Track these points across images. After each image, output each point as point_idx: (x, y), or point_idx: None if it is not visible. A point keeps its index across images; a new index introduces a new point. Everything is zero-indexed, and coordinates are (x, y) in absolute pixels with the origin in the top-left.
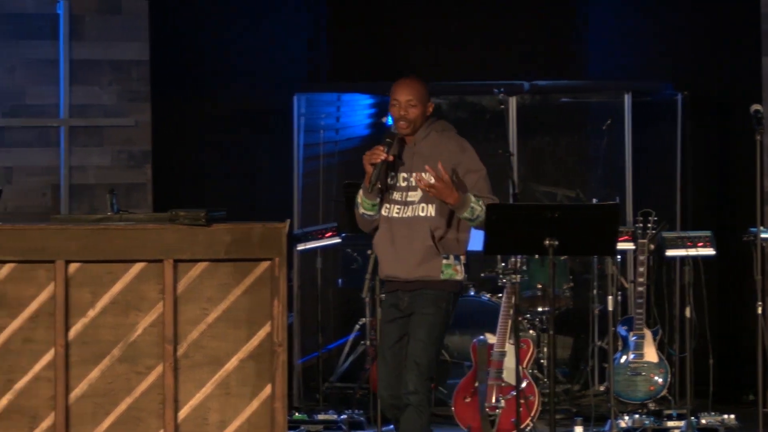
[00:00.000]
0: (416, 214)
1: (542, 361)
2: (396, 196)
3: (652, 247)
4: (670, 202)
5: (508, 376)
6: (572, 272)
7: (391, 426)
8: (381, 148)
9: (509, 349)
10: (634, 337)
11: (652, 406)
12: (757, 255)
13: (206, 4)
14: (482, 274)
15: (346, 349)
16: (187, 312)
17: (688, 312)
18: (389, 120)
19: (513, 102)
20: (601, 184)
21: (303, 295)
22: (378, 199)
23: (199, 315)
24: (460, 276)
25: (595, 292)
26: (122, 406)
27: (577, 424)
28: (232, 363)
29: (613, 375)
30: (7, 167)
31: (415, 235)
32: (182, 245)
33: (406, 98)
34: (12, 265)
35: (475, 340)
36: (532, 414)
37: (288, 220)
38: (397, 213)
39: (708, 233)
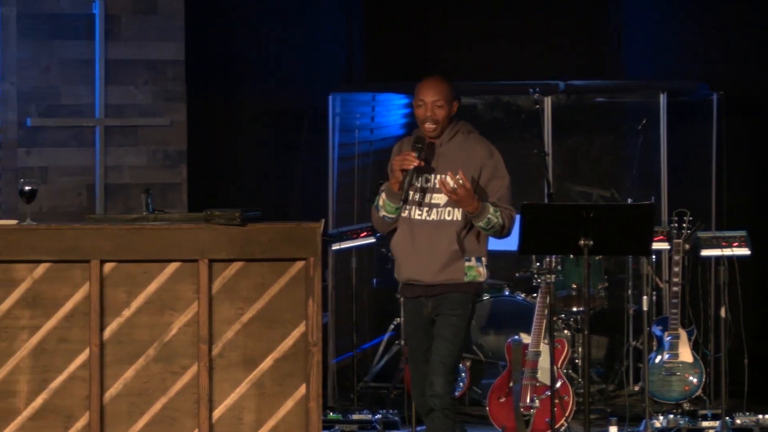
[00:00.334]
0: (442, 217)
1: (577, 361)
2: (417, 197)
3: (687, 247)
4: (705, 202)
5: (543, 376)
6: (607, 272)
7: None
8: (413, 154)
9: (544, 349)
10: (668, 337)
11: (686, 406)
12: None
13: (241, 4)
14: (517, 274)
15: (381, 348)
16: (222, 312)
17: (723, 312)
18: None
19: (548, 102)
20: (636, 184)
21: (338, 295)
22: (401, 203)
23: (233, 315)
24: (482, 277)
25: (630, 292)
26: (157, 406)
27: (611, 424)
28: (267, 363)
29: (647, 375)
30: (43, 167)
31: (440, 239)
32: (217, 245)
33: (432, 99)
34: (47, 264)
35: (509, 340)
36: (566, 414)
37: (323, 220)
38: (419, 215)
39: (743, 233)
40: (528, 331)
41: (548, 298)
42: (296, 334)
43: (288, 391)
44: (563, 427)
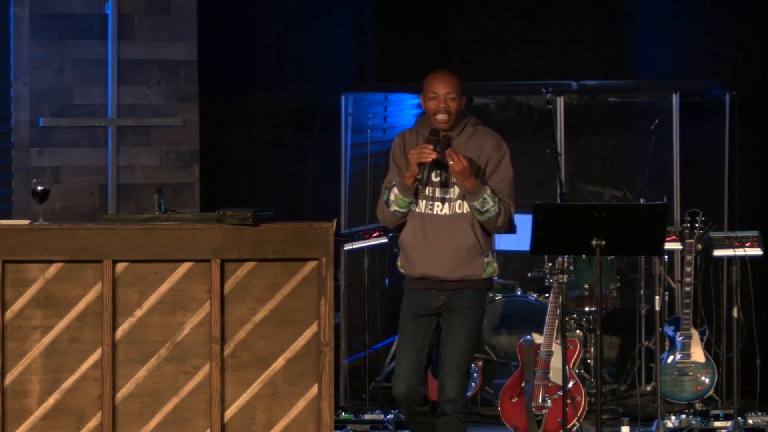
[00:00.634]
0: (455, 211)
1: (589, 361)
2: (428, 191)
3: (699, 247)
4: (717, 202)
5: (555, 376)
6: (619, 272)
7: None
8: (430, 147)
9: (556, 349)
10: (681, 337)
11: (698, 406)
12: None
13: (254, 4)
14: (529, 274)
15: (393, 349)
16: (234, 312)
17: (735, 312)
18: None
19: (561, 102)
20: (648, 184)
21: (350, 295)
22: (413, 197)
23: (246, 315)
24: (497, 272)
25: (642, 292)
26: (169, 406)
27: (623, 424)
28: (279, 363)
29: (659, 375)
30: (55, 167)
31: (455, 233)
32: (229, 245)
33: (445, 91)
34: (59, 264)
35: (522, 340)
36: (578, 414)
37: (335, 220)
38: (430, 209)
39: (756, 233)
40: (540, 331)
41: (560, 298)
42: (308, 334)
43: (300, 391)
44: (575, 427)
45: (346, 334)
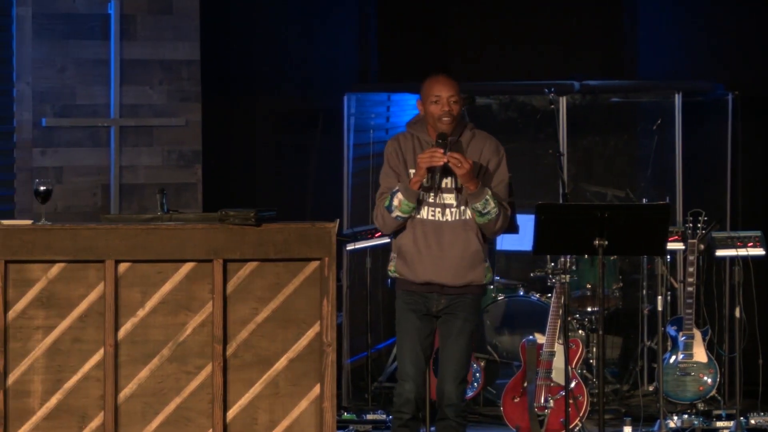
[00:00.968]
0: (458, 217)
1: (591, 361)
2: (429, 197)
3: (702, 247)
4: (720, 202)
5: (557, 376)
6: (622, 272)
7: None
8: (440, 150)
9: (558, 349)
10: (683, 338)
11: (701, 406)
12: None
13: (257, 4)
14: (532, 274)
15: (395, 349)
16: (237, 312)
17: (737, 312)
18: None
19: (563, 102)
20: (650, 184)
21: (352, 295)
22: (416, 202)
23: (248, 315)
24: (492, 277)
25: (644, 292)
26: (171, 406)
27: (626, 424)
28: (281, 363)
29: (662, 375)
30: (57, 167)
31: (459, 240)
32: (232, 245)
33: (448, 94)
34: (62, 264)
35: (524, 340)
36: (581, 414)
37: (337, 220)
38: (432, 215)
39: (758, 233)
40: (542, 331)
41: (563, 298)
42: (311, 334)
43: (302, 391)
44: (578, 428)
45: (349, 334)
